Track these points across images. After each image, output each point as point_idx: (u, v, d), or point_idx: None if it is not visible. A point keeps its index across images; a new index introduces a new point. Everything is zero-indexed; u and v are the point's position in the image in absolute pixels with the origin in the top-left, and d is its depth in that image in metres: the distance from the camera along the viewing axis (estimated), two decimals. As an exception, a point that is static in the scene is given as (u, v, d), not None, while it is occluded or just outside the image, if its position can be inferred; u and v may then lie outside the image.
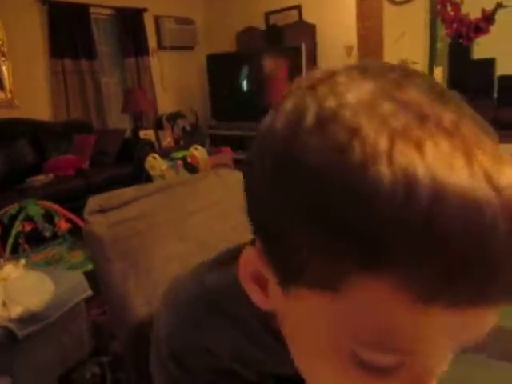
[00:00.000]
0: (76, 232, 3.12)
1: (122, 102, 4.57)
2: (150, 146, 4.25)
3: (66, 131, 3.95)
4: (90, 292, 2.09)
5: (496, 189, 0.23)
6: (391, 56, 3.56)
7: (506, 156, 0.25)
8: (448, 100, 0.27)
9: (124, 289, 0.89)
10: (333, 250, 0.25)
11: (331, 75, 0.29)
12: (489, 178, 0.23)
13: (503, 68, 3.18)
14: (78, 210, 3.38)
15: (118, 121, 4.69)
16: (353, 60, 3.94)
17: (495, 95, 3.16)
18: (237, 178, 1.31)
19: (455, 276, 0.23)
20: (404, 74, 0.28)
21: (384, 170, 0.23)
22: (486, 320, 0.26)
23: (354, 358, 0.27)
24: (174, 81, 5.08)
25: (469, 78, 3.07)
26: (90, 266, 2.85)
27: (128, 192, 1.01)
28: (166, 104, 4.98)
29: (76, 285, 2.06)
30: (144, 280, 0.94)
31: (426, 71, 3.23)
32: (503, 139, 0.31)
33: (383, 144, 0.24)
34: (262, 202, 0.29)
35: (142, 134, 4.51)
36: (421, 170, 0.23)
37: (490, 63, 3.18)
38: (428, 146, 0.24)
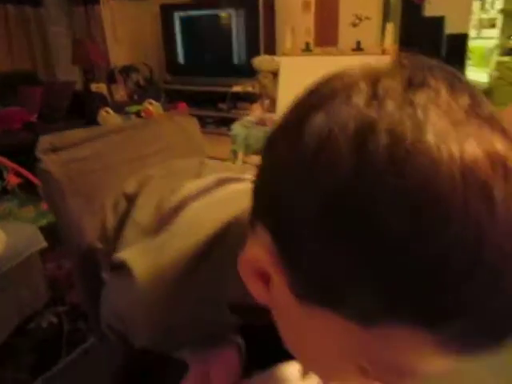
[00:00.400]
0: (27, 187, 3.04)
1: (71, 53, 4.36)
2: (102, 100, 4.11)
3: (9, 82, 3.75)
4: (44, 243, 2.07)
5: None
6: (346, 12, 3.59)
7: None
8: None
9: (80, 225, 0.92)
10: (385, 300, 0.24)
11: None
12: None
13: (452, 27, 3.28)
14: (29, 165, 3.27)
15: (68, 73, 4.48)
16: (310, 15, 3.93)
17: (444, 53, 3.28)
18: (191, 123, 1.33)
19: (485, 337, 0.25)
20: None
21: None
22: None
23: (359, 368, 0.30)
24: (126, 32, 4.88)
25: (419, 35, 3.16)
26: (43, 221, 2.80)
27: (80, 132, 1.01)
28: (118, 56, 4.79)
29: (29, 236, 2.04)
30: (99, 216, 0.97)
31: (379, 26, 3.29)
32: None
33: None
34: (305, 210, 0.26)
35: (93, 87, 4.35)
36: (487, 244, 0.23)
37: (439, 21, 3.27)
38: None
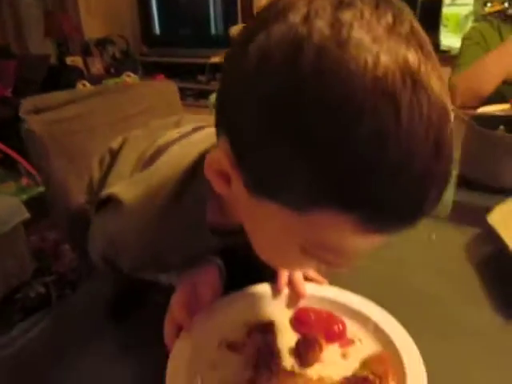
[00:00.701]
0: (6, 163, 3.02)
1: (43, 25, 4.25)
2: (78, 73, 4.05)
3: (-19, 56, 3.66)
4: (27, 214, 2.09)
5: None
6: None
7: None
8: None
9: (65, 184, 0.96)
10: (313, 190, 0.30)
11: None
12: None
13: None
14: (6, 140, 3.22)
15: (41, 46, 4.38)
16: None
17: (418, 19, 3.32)
18: (170, 88, 1.36)
19: (395, 221, 0.32)
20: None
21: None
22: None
23: (300, 247, 0.36)
24: (100, 4, 4.76)
25: (394, 2, 3.17)
26: (23, 197, 2.79)
27: (63, 94, 1.04)
28: (92, 29, 4.69)
29: (12, 207, 2.05)
30: (85, 177, 1.00)
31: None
32: None
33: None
34: (249, 116, 0.32)
35: (68, 60, 4.26)
36: (392, 139, 0.28)
37: (414, -12, 3.30)
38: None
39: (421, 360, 0.43)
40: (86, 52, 4.53)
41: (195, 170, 0.47)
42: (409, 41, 0.29)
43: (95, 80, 3.72)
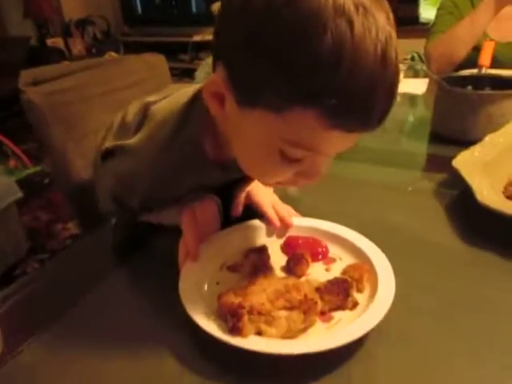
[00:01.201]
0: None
1: (22, 7, 4.18)
2: (59, 55, 4.02)
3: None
4: (20, 194, 2.13)
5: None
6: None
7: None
8: None
9: (64, 150, 1.01)
10: (287, 91, 0.39)
11: None
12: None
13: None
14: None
15: (21, 28, 4.32)
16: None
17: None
18: (160, 61, 1.41)
19: (352, 115, 0.39)
20: None
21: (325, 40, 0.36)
22: (358, 137, 0.44)
23: (280, 151, 0.44)
24: (78, -17, 4.69)
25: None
26: (11, 179, 2.81)
27: (59, 67, 1.09)
28: (72, 10, 4.62)
29: (5, 187, 2.09)
30: (83, 145, 1.06)
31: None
32: (403, 34, 0.46)
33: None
34: (239, 49, 0.41)
35: (49, 42, 4.23)
36: (348, 48, 0.36)
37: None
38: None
39: (390, 268, 0.51)
40: (66, 33, 4.48)
41: (192, 106, 0.54)
42: None
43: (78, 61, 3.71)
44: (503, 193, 0.68)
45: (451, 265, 0.58)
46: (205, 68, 2.96)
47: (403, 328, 0.46)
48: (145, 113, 0.63)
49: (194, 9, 4.44)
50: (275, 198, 0.67)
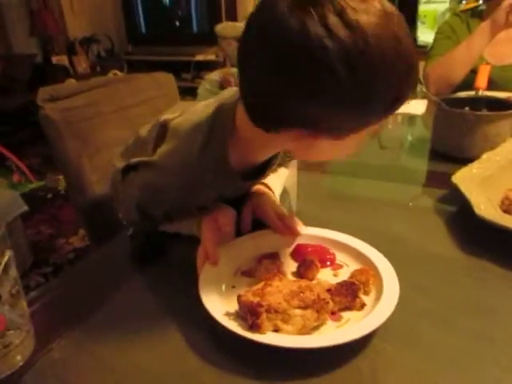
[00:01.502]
0: (-4, 160, 3.06)
1: (28, 25, 4.28)
2: (64, 72, 4.10)
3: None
4: (25, 207, 2.16)
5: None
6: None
7: None
8: None
9: (78, 163, 1.06)
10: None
11: None
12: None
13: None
14: (-4, 137, 3.20)
15: (26, 46, 4.41)
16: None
17: None
18: (168, 79, 1.47)
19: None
20: None
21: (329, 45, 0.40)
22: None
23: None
24: (83, 2, 4.80)
25: None
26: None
27: (74, 84, 1.14)
28: (77, 28, 4.73)
29: (10, 201, 2.12)
30: (96, 159, 1.11)
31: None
32: None
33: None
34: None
35: (54, 59, 4.31)
36: (356, 50, 0.41)
37: (391, -14, 3.43)
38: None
39: (394, 273, 0.55)
40: (71, 51, 4.57)
41: (214, 121, 0.59)
42: None
43: (82, 79, 3.78)
44: (500, 207, 0.72)
45: (451, 273, 0.62)
46: (205, 85, 3.04)
47: (407, 328, 0.50)
48: (164, 128, 0.68)
49: (197, 28, 4.54)
50: (282, 210, 0.70)
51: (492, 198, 0.72)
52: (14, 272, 0.46)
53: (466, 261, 0.64)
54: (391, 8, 0.44)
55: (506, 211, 0.70)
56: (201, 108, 0.63)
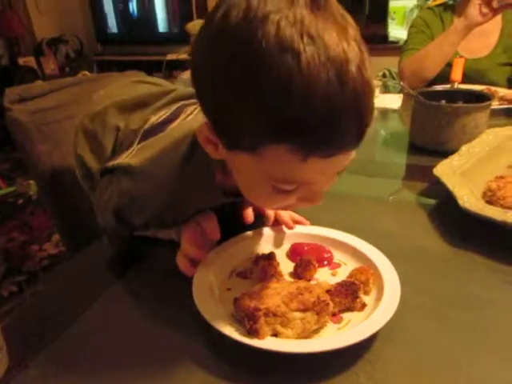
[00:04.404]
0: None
1: (-9, 25, 4.13)
2: (32, 74, 3.98)
3: None
4: (-4, 214, 2.08)
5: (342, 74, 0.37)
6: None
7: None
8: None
9: (50, 166, 1.01)
10: (253, 130, 0.40)
11: None
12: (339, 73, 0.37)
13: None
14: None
15: (-9, 47, 4.26)
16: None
17: (367, 12, 3.52)
18: (138, 76, 1.42)
19: (320, 142, 0.38)
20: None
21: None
22: (348, 157, 0.43)
23: (272, 186, 0.45)
24: (50, 2, 4.67)
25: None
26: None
27: (43, 85, 1.09)
28: (44, 28, 4.59)
29: (-21, 208, 2.04)
30: (70, 161, 1.06)
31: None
32: (373, 52, 0.43)
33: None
34: (210, 94, 0.42)
35: (21, 61, 4.17)
36: (297, 81, 0.36)
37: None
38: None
39: (394, 271, 0.54)
40: (38, 52, 4.44)
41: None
42: (307, 5, 0.38)
43: (51, 80, 3.68)
44: (482, 197, 0.72)
45: (439, 266, 0.62)
46: (179, 85, 3.00)
47: (398, 323, 0.48)
48: (146, 135, 0.65)
49: (167, 27, 4.48)
50: None
51: (474, 190, 0.72)
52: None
53: (452, 253, 0.64)
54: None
55: (488, 202, 0.70)
56: (186, 123, 0.61)
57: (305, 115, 0.37)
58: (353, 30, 0.39)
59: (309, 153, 0.39)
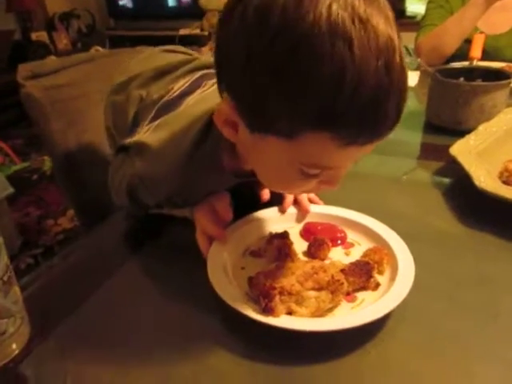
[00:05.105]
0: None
1: (4, 1, 4.10)
2: (44, 49, 3.97)
3: None
4: (11, 189, 2.12)
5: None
6: None
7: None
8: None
9: (65, 144, 1.02)
10: (296, 116, 0.38)
11: None
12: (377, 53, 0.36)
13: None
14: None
15: (3, 22, 4.24)
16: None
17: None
18: (153, 52, 1.41)
19: (363, 130, 0.39)
20: None
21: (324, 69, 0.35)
22: (374, 145, 0.43)
23: (299, 169, 0.44)
24: (61, -24, 4.62)
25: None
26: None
27: (56, 61, 1.09)
28: (56, 2, 4.56)
29: (-4, 183, 2.07)
30: (84, 140, 1.07)
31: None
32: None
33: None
34: (242, 73, 0.40)
35: (34, 36, 4.16)
36: (350, 69, 0.35)
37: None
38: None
39: (408, 251, 0.54)
40: (50, 27, 4.42)
41: (211, 122, 0.55)
42: None
43: (63, 56, 3.67)
44: (499, 178, 0.71)
45: (454, 246, 0.61)
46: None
47: (410, 303, 0.48)
48: (167, 107, 0.65)
49: (181, 2, 4.41)
50: None
51: (490, 170, 0.71)
52: (5, 258, 0.44)
53: (467, 234, 0.64)
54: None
55: (505, 182, 0.69)
56: (198, 103, 0.60)
57: (353, 104, 0.37)
58: (391, 13, 0.39)
59: (350, 141, 0.40)
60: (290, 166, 0.45)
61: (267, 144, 0.44)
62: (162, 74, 0.77)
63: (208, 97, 0.63)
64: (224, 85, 0.45)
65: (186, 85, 0.69)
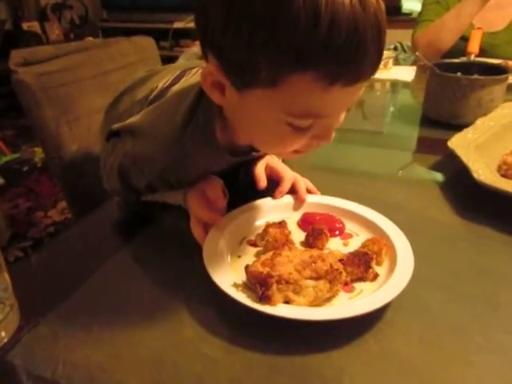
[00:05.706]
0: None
1: (-5, -12, 4.05)
2: (36, 39, 3.92)
3: None
4: (1, 180, 2.09)
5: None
6: None
7: None
8: None
9: (57, 131, 1.00)
10: (276, 61, 0.39)
11: None
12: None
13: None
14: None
15: (-6, 11, 4.18)
16: None
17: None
18: (149, 43, 1.40)
19: (345, 67, 0.39)
20: None
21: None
22: (361, 90, 0.45)
23: (287, 123, 0.45)
24: (53, -35, 4.55)
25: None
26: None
27: (48, 49, 1.07)
28: (48, -8, 4.50)
29: (-15, 173, 2.04)
30: (76, 127, 1.05)
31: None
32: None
33: None
34: (222, 31, 0.41)
35: (25, 26, 4.10)
36: (323, 3, 0.36)
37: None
38: None
39: (408, 243, 0.53)
40: (42, 17, 4.36)
41: (201, 95, 0.55)
42: None
43: (55, 46, 3.62)
44: (497, 171, 0.70)
45: (452, 239, 0.61)
46: (188, 57, 2.94)
47: (409, 294, 0.48)
48: (156, 98, 0.64)
49: (175, -5, 4.37)
50: (294, 174, 0.69)
51: (489, 163, 0.70)
52: (-6, 244, 0.43)
53: (464, 226, 0.63)
54: None
55: (503, 176, 0.69)
56: (187, 82, 0.60)
57: (331, 38, 0.37)
58: None
59: (333, 80, 0.40)
60: (278, 120, 0.45)
61: (254, 100, 0.44)
62: (147, 78, 0.77)
63: (193, 80, 0.63)
64: (208, 46, 0.45)
65: (170, 79, 0.68)
